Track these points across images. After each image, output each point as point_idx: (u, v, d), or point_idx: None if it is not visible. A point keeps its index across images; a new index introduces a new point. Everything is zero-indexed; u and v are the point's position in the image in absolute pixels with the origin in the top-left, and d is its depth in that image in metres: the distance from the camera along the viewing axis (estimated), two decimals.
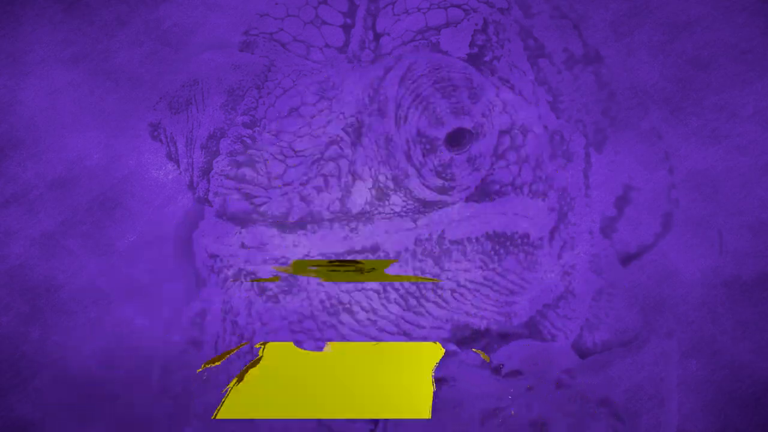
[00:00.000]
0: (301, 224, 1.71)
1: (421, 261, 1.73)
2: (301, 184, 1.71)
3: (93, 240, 1.90)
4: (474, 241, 1.74)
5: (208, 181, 1.76)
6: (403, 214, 1.73)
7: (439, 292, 1.74)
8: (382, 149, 1.72)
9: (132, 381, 1.85)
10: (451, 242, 1.73)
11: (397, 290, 1.74)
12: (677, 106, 1.87)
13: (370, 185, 1.72)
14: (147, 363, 1.86)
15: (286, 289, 1.73)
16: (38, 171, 1.91)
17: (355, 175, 1.72)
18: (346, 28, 1.82)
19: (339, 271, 1.72)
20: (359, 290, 1.73)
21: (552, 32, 1.86)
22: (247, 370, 1.77)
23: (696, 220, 1.86)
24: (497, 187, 1.75)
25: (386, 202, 1.73)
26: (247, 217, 1.73)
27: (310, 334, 1.74)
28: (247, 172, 1.73)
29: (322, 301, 1.74)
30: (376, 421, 1.68)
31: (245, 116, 1.74)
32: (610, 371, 1.76)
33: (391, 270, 1.73)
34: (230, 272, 1.77)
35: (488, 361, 1.73)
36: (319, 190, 1.71)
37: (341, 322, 1.74)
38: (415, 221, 1.73)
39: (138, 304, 1.88)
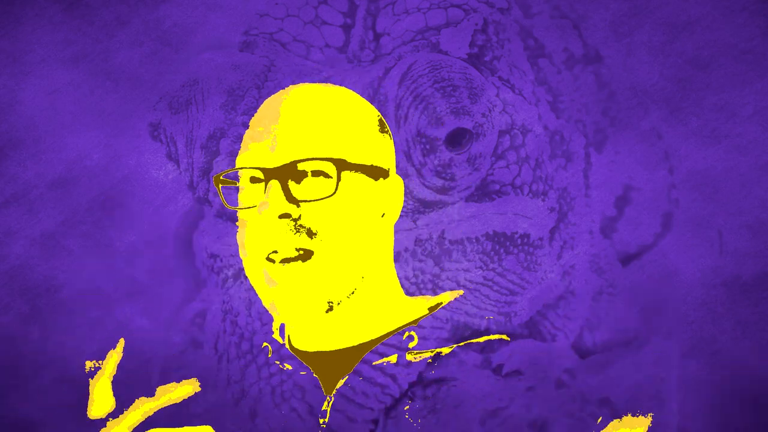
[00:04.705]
0: None
1: (421, 261, 1.73)
2: None
3: (93, 240, 1.90)
4: (474, 241, 1.74)
5: (208, 181, 1.76)
6: (403, 214, 1.72)
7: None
8: None
9: (132, 381, 1.85)
10: (451, 242, 1.73)
11: None
12: (677, 106, 1.87)
13: None
14: (147, 363, 1.86)
15: None
16: (38, 171, 1.91)
17: None
18: (346, 28, 1.82)
19: None
20: None
21: (552, 32, 1.86)
22: None
23: (696, 220, 1.86)
24: (497, 187, 1.75)
25: None
26: None
27: None
28: None
29: None
30: (376, 421, 1.68)
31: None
32: (610, 371, 1.76)
33: None
34: (230, 272, 1.77)
35: (508, 339, 1.73)
36: None
37: None
38: (414, 221, 1.73)
39: (138, 304, 1.88)
